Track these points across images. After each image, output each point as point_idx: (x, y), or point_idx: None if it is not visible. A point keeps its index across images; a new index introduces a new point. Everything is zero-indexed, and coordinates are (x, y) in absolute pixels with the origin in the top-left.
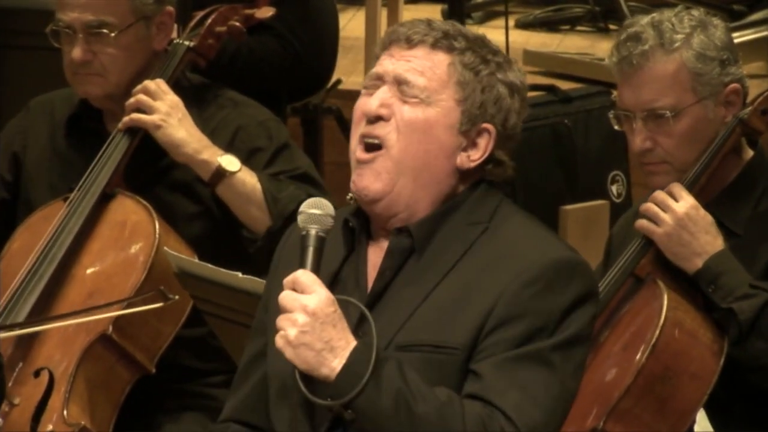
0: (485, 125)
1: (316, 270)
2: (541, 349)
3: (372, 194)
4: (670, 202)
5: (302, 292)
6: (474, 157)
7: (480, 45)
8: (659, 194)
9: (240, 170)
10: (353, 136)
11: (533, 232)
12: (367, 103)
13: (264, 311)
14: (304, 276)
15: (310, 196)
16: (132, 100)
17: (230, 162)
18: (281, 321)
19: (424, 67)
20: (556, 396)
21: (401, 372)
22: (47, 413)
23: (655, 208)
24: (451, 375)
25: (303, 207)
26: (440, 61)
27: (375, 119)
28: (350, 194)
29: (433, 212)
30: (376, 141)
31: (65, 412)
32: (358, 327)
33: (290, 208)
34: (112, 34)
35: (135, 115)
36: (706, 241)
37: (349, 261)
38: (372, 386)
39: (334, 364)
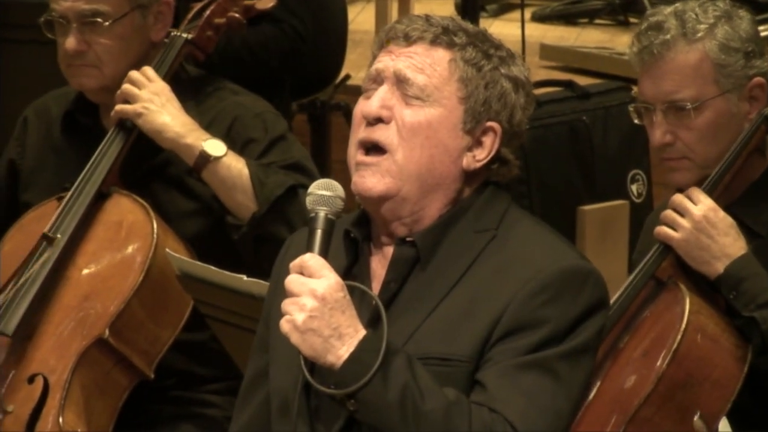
0: (490, 123)
1: (325, 254)
2: (548, 357)
3: (378, 193)
4: (688, 204)
5: (310, 276)
6: (480, 156)
7: (481, 39)
8: (677, 197)
9: (225, 155)
10: (352, 141)
11: (543, 238)
12: (367, 105)
13: (265, 327)
14: (312, 260)
15: (298, 183)
16: (119, 91)
17: (215, 146)
18: (287, 305)
19: (424, 64)
20: (562, 406)
21: (410, 366)
22: (42, 421)
23: (673, 214)
24: (459, 387)
25: (312, 188)
26: (441, 57)
27: (375, 121)
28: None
29: (438, 220)
30: (377, 146)
31: (60, 420)
32: (369, 321)
33: (276, 193)
34: (106, 24)
35: (118, 107)
36: (726, 243)
37: (352, 272)
38: (379, 378)
39: (341, 351)
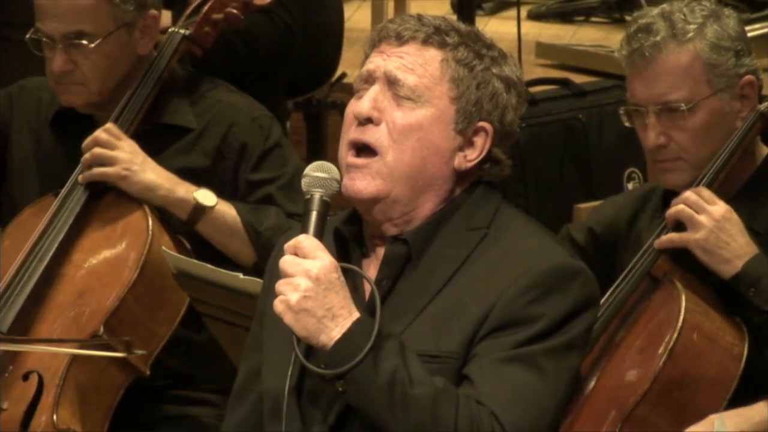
0: (482, 123)
1: (319, 235)
2: (533, 352)
3: (368, 196)
4: (705, 204)
5: (305, 257)
6: (471, 156)
7: (473, 39)
8: (691, 196)
9: (217, 203)
10: (343, 142)
11: (534, 237)
12: (358, 105)
13: (258, 325)
14: (307, 241)
15: (290, 213)
16: (87, 155)
17: (206, 196)
18: (281, 285)
19: (415, 64)
20: (546, 401)
21: (402, 352)
22: (36, 418)
23: (689, 211)
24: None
25: (308, 170)
26: (432, 57)
27: (365, 121)
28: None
29: (430, 218)
30: (367, 147)
31: (55, 417)
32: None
33: (274, 241)
34: (92, 45)
35: (97, 170)
36: (745, 242)
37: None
38: (369, 360)
39: (334, 332)
